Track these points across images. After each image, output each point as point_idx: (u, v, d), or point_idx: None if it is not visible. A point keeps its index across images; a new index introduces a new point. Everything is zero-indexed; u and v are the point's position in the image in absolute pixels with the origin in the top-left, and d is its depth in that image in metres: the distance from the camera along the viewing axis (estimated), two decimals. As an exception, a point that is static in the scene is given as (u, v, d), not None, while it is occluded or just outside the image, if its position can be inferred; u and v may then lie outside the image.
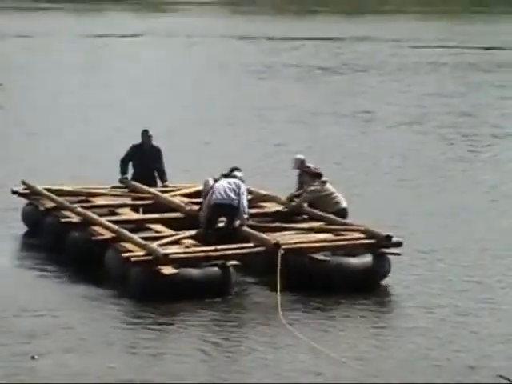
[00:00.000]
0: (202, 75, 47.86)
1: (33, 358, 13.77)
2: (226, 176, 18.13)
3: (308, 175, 19.47)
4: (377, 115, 37.65)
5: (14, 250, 19.51)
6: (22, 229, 20.20)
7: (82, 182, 21.32)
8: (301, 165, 20.02)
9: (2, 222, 20.40)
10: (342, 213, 18.87)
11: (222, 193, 17.46)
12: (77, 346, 14.30)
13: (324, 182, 19.13)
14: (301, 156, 20.26)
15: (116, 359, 13.94)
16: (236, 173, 18.17)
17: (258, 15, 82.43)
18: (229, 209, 17.36)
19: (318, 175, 19.19)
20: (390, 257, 17.50)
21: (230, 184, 17.68)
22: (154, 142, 21.26)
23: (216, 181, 18.09)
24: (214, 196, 17.61)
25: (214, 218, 17.50)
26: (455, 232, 21.70)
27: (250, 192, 19.09)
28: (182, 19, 78.14)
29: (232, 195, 17.46)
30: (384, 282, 17.37)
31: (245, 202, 17.70)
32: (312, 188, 18.98)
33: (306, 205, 19.66)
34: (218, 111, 36.71)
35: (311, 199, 19.09)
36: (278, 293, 15.69)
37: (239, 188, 17.62)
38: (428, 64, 52.25)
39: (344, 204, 19.08)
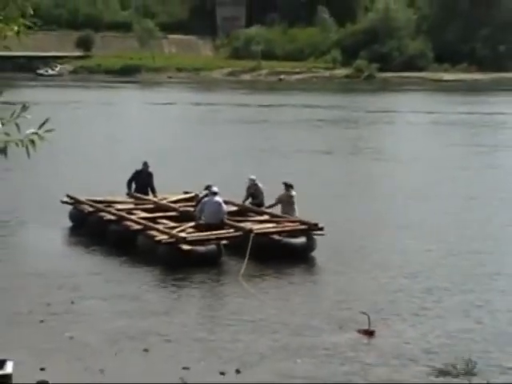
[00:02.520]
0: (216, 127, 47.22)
1: (72, 302, 14.43)
2: (207, 189, 18.52)
3: (284, 186, 19.28)
4: (310, 148, 37.17)
5: (66, 236, 19.93)
6: (69, 224, 20.27)
7: (103, 193, 21.04)
8: (252, 182, 20.32)
9: (55, 219, 20.41)
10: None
11: (212, 214, 17.82)
12: (108, 298, 14.95)
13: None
14: (253, 176, 20.48)
15: (137, 306, 14.50)
16: (213, 188, 18.34)
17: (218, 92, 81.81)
18: (217, 225, 17.73)
19: (289, 185, 19.27)
20: (317, 237, 18.06)
21: (215, 205, 17.94)
22: (150, 170, 21.28)
23: (206, 195, 18.52)
24: (206, 214, 17.94)
25: (206, 227, 17.70)
26: (364, 221, 21.87)
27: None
28: (182, 93, 76.16)
29: (218, 215, 17.84)
30: (313, 253, 18.05)
31: (224, 209, 18.11)
32: (284, 194, 19.18)
33: (248, 202, 20.26)
34: (213, 148, 36.20)
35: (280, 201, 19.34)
36: (245, 261, 16.30)
37: (220, 205, 17.97)
38: (335, 121, 51.97)
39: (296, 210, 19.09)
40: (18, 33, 4.14)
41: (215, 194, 18.29)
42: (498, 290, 16.36)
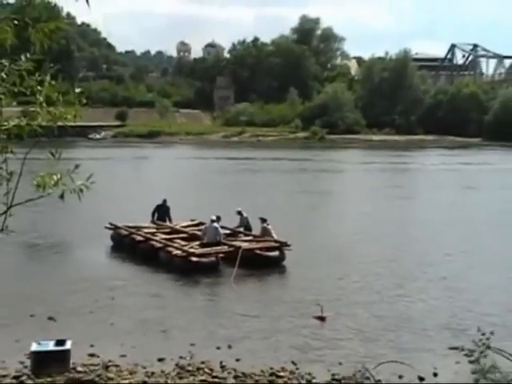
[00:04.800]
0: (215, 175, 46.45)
1: (112, 299, 14.40)
2: (213, 221, 18.24)
3: (260, 220, 18.99)
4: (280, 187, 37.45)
5: (107, 252, 19.54)
6: (110, 243, 20.00)
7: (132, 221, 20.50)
8: (239, 213, 19.94)
9: (100, 240, 20.19)
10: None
11: (211, 236, 17.78)
12: (138, 295, 14.89)
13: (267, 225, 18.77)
14: (239, 208, 20.10)
15: (159, 301, 14.45)
16: (212, 217, 18.24)
17: (214, 148, 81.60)
18: (213, 243, 17.54)
19: (264, 220, 18.93)
20: (286, 251, 17.93)
21: (213, 229, 17.85)
22: (167, 204, 20.99)
23: (213, 221, 18.21)
24: (207, 236, 17.88)
25: (208, 245, 17.53)
26: (319, 240, 21.53)
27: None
28: (190, 150, 76.87)
29: (215, 236, 17.74)
30: (283, 263, 17.85)
31: (220, 232, 18.00)
32: (264, 225, 18.65)
33: (241, 229, 19.64)
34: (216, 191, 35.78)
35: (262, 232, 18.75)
36: (235, 269, 16.25)
37: (217, 229, 17.90)
38: (297, 170, 52.34)
39: (274, 234, 18.52)
40: (74, 116, 4.20)
41: (213, 221, 18.17)
42: (433, 285, 16.21)
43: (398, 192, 36.66)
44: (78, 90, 4.24)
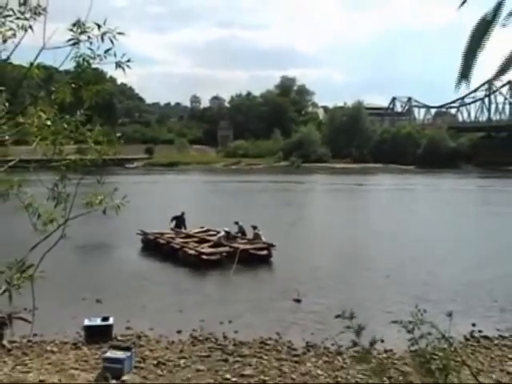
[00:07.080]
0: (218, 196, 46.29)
1: (142, 287, 14.07)
2: (226, 232, 18.23)
3: (252, 227, 18.45)
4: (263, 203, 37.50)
5: (138, 252, 19.27)
6: (140, 246, 19.76)
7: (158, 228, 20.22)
8: (237, 223, 19.44)
9: (133, 243, 19.87)
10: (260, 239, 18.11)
11: (217, 240, 17.86)
12: (162, 284, 14.74)
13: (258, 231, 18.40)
14: (236, 219, 19.54)
15: (176, 288, 14.33)
16: (225, 228, 18.38)
17: (219, 174, 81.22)
18: (220, 245, 17.51)
19: (255, 227, 18.56)
20: (273, 250, 17.63)
21: (223, 237, 17.91)
22: (184, 216, 20.69)
23: (227, 232, 18.26)
24: (218, 237, 17.97)
25: (214, 246, 17.52)
26: (298, 241, 21.09)
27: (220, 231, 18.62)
28: (200, 175, 76.41)
29: (223, 241, 17.83)
30: (271, 259, 17.54)
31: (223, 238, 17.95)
32: (255, 231, 18.35)
33: (240, 234, 19.05)
34: (218, 206, 35.85)
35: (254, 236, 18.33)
36: (234, 265, 16.01)
37: (224, 237, 17.91)
38: (280, 189, 52.11)
39: (263, 238, 18.09)
40: (115, 153, 4.29)
41: (226, 232, 18.23)
42: (394, 276, 15.81)
43: (359, 204, 36.56)
44: (118, 134, 4.34)
